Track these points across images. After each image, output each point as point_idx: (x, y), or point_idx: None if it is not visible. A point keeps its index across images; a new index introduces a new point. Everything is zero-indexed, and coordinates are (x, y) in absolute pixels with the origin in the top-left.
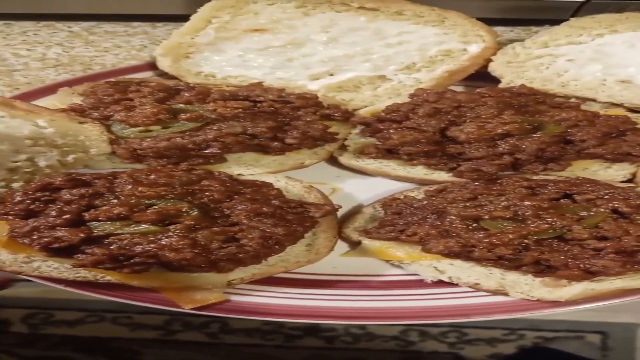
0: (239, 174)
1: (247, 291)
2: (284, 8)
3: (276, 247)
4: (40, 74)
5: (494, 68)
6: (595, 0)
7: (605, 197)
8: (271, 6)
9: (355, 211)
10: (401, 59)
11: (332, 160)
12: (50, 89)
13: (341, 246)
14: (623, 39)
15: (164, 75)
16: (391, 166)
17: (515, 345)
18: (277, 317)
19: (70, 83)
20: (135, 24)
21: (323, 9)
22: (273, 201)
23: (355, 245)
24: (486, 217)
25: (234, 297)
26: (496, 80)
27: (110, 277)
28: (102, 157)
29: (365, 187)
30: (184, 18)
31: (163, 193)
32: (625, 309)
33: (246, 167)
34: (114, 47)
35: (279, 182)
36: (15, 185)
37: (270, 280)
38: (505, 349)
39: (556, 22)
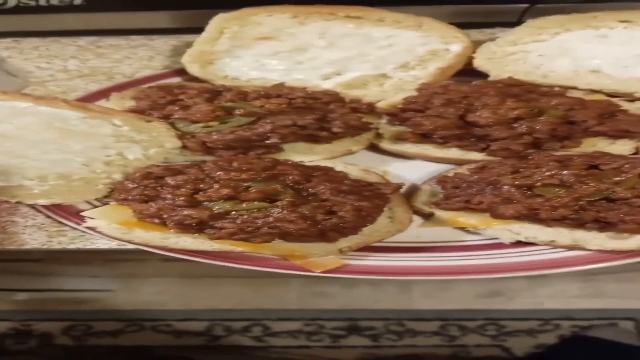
0: (300, 161)
1: (358, 257)
2: (282, 18)
3: (368, 218)
4: (70, 84)
5: (479, 64)
6: (537, 5)
7: (627, 165)
8: (270, 17)
9: (413, 189)
10: (395, 59)
11: (372, 148)
12: (102, 94)
13: (416, 220)
14: (578, 36)
15: (192, 79)
16: (429, 149)
17: (556, 335)
18: (392, 275)
19: (117, 89)
20: (133, 37)
21: (314, 19)
22: (346, 181)
23: (428, 217)
24: (538, 184)
25: (350, 262)
26: (483, 75)
27: (242, 248)
28: (177, 151)
29: (409, 168)
30: (177, 31)
31: (253, 176)
32: None
33: (303, 155)
34: (125, 58)
35: (337, 166)
36: (115, 176)
37: (372, 248)
38: (547, 339)
39: (505, 24)
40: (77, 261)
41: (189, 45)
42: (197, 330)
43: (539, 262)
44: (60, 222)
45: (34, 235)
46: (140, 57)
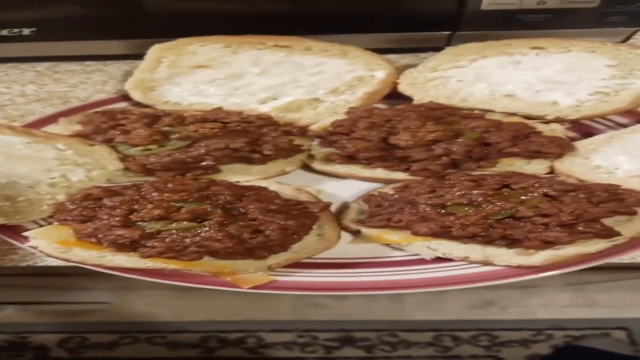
0: (236, 181)
1: (286, 274)
2: (215, 48)
3: (295, 236)
4: (28, 107)
5: (403, 89)
6: (459, 32)
7: (535, 184)
8: (204, 47)
9: (343, 207)
10: (325, 84)
11: (306, 168)
12: (51, 119)
13: (344, 236)
14: (493, 63)
15: (137, 104)
16: (356, 169)
17: (549, 345)
18: (319, 291)
19: (65, 114)
20: (89, 62)
21: (246, 48)
22: (276, 200)
23: (355, 234)
24: (449, 203)
25: (278, 278)
26: (408, 99)
27: (173, 265)
28: (119, 172)
29: (341, 187)
30: (128, 57)
31: (186, 197)
32: None
33: (239, 175)
34: (80, 83)
35: (271, 186)
36: (59, 197)
37: (301, 265)
38: (540, 349)
39: (433, 49)
40: (69, 275)
41: None
42: (192, 342)
43: (457, 278)
44: (7, 242)
45: None
46: (95, 81)
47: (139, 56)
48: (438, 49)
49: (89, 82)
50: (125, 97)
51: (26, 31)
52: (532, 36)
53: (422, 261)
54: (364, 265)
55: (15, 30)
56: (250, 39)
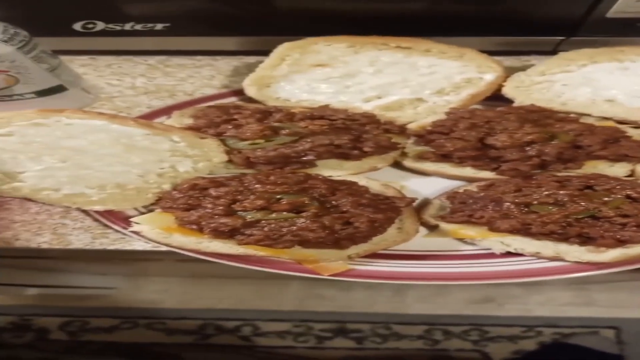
0: (329, 176)
1: (364, 263)
2: (339, 48)
3: (380, 228)
4: (136, 99)
5: (507, 91)
6: (571, 38)
7: (618, 187)
8: (329, 46)
9: (425, 203)
10: (433, 85)
11: (395, 165)
12: (164, 112)
13: (421, 230)
14: (603, 68)
15: (247, 100)
16: (446, 167)
17: (536, 342)
18: (392, 280)
19: (179, 107)
20: (199, 57)
21: (368, 48)
22: (366, 195)
23: (433, 228)
24: (535, 202)
25: (356, 267)
26: (509, 101)
27: (263, 252)
28: (222, 165)
29: (426, 184)
30: (237, 53)
31: (286, 189)
32: (636, 304)
33: (333, 170)
34: (188, 77)
35: (361, 181)
36: (164, 186)
37: (377, 255)
38: (527, 346)
39: (539, 52)
40: (89, 259)
41: (249, 66)
42: (189, 329)
43: (523, 271)
44: (105, 226)
45: (80, 236)
46: (203, 76)
47: (249, 52)
48: (542, 52)
49: (197, 76)
50: (235, 92)
51: (159, 26)
52: None
53: (492, 255)
54: (437, 257)
55: (149, 25)
56: (374, 39)
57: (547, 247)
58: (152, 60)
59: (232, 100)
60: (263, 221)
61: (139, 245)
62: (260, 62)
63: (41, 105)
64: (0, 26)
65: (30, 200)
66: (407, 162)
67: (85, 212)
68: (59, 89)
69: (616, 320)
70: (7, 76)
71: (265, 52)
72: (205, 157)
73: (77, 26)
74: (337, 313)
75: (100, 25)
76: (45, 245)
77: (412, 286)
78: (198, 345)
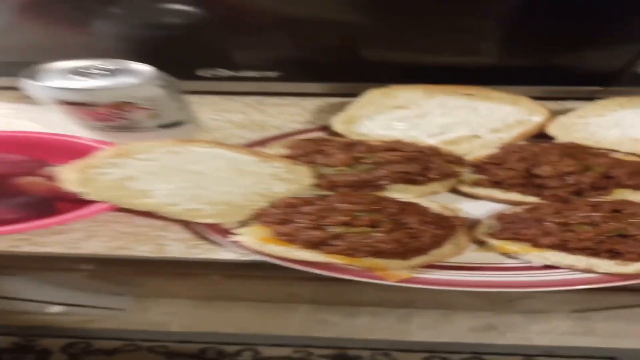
0: (396, 198)
1: (423, 272)
2: (415, 94)
3: (439, 243)
4: (231, 132)
5: (550, 131)
6: (608, 88)
7: None
8: (407, 92)
9: (476, 222)
10: (489, 125)
11: (452, 190)
12: (260, 143)
13: (473, 246)
14: (630, 113)
15: (332, 134)
16: (496, 193)
17: None
18: (447, 286)
19: (273, 139)
20: (288, 97)
21: (439, 94)
22: (429, 214)
23: (482, 244)
24: (573, 222)
25: (417, 275)
26: (552, 138)
27: (343, 261)
28: (309, 188)
29: (478, 207)
30: (320, 95)
31: (364, 209)
32: (633, 334)
33: (400, 193)
34: (278, 114)
35: (422, 202)
36: (261, 204)
37: (434, 266)
38: None
39: (578, 99)
40: (103, 277)
41: (330, 106)
42: (191, 353)
43: (559, 281)
44: (202, 238)
45: (176, 246)
46: (290, 113)
47: (330, 95)
48: (580, 99)
49: (285, 113)
50: (319, 128)
51: (272, 74)
52: None
53: (531, 267)
54: (485, 268)
55: (263, 72)
56: (444, 88)
57: (581, 261)
58: (249, 99)
59: (318, 134)
60: (345, 234)
61: (228, 255)
62: (341, 102)
63: (160, 136)
64: (158, 74)
65: (153, 214)
66: (463, 188)
67: (184, 225)
68: (177, 123)
69: (614, 351)
70: (148, 112)
71: (344, 95)
72: (297, 181)
73: (201, 72)
74: (339, 339)
75: (223, 72)
76: (146, 254)
77: (417, 313)
78: None
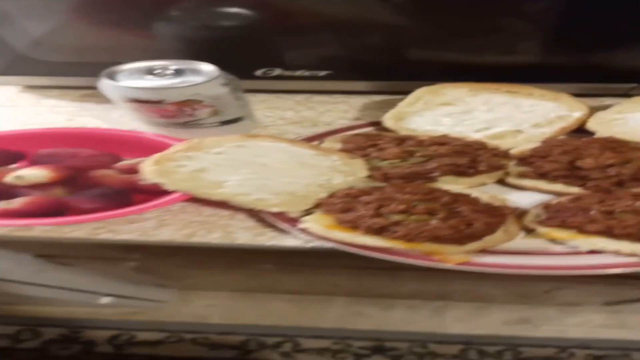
0: (447, 189)
1: (477, 257)
2: (462, 91)
3: (491, 230)
4: (284, 128)
5: (590, 126)
6: None
7: None
8: (454, 90)
9: (524, 211)
10: (532, 120)
11: (498, 182)
12: (314, 138)
13: (522, 234)
14: None
15: (382, 129)
16: (541, 184)
17: None
18: (501, 269)
19: (329, 134)
20: (336, 95)
21: (484, 92)
22: (480, 203)
23: (530, 232)
24: (617, 211)
25: (473, 259)
26: (592, 133)
27: (404, 246)
28: (364, 180)
29: (524, 197)
30: (367, 92)
31: (420, 198)
32: None
33: (450, 185)
34: (327, 111)
35: (473, 193)
36: (322, 195)
37: (487, 252)
38: None
39: (614, 95)
40: (147, 271)
41: (377, 103)
42: (233, 344)
43: (606, 264)
44: (268, 226)
45: (242, 233)
46: (339, 110)
47: (377, 92)
48: (615, 95)
49: (334, 110)
50: (368, 124)
51: (322, 73)
52: None
53: (578, 253)
54: (532, 253)
55: (314, 71)
56: (489, 85)
57: (625, 246)
58: (299, 97)
59: (367, 129)
60: (405, 221)
61: (289, 241)
62: (386, 100)
63: (221, 132)
64: (221, 73)
65: (219, 203)
66: (510, 180)
67: (250, 214)
68: (237, 120)
69: None
70: (211, 109)
71: (389, 93)
72: (353, 173)
73: (259, 72)
74: (376, 331)
75: (277, 71)
76: (216, 241)
77: (451, 305)
78: None
